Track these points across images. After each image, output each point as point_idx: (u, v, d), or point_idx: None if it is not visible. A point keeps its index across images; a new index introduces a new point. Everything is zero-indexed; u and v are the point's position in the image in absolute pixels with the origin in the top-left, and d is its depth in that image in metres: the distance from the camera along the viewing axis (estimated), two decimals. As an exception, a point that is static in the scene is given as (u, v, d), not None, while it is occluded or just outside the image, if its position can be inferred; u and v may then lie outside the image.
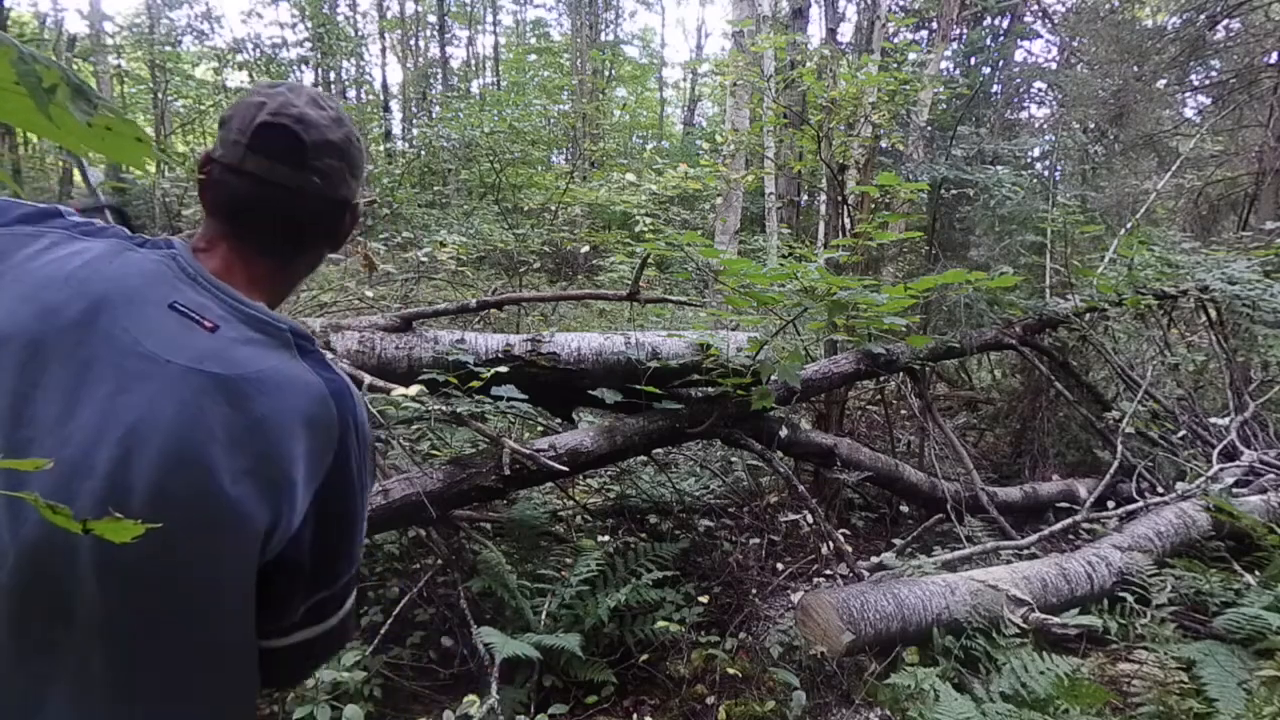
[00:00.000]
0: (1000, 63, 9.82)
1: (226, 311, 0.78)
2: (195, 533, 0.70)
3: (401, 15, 17.88)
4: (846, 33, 10.67)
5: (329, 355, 0.87)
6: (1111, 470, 3.93)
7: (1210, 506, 3.52)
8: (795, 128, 6.33)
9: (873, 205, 5.17)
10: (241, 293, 0.81)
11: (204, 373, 0.72)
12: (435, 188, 10.92)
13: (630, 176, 11.27)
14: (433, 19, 18.39)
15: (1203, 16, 7.05)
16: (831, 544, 3.16)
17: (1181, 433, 4.40)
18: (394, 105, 17.41)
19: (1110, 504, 3.80)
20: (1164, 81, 7.55)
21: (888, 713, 2.42)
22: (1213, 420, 4.61)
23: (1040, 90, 8.60)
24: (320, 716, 2.06)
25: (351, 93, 16.13)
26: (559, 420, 3.38)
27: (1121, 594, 2.97)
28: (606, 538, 3.25)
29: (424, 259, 5.37)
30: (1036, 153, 6.66)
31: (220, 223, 0.85)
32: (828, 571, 3.25)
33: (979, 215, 5.25)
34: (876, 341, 3.73)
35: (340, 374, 0.84)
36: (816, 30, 10.94)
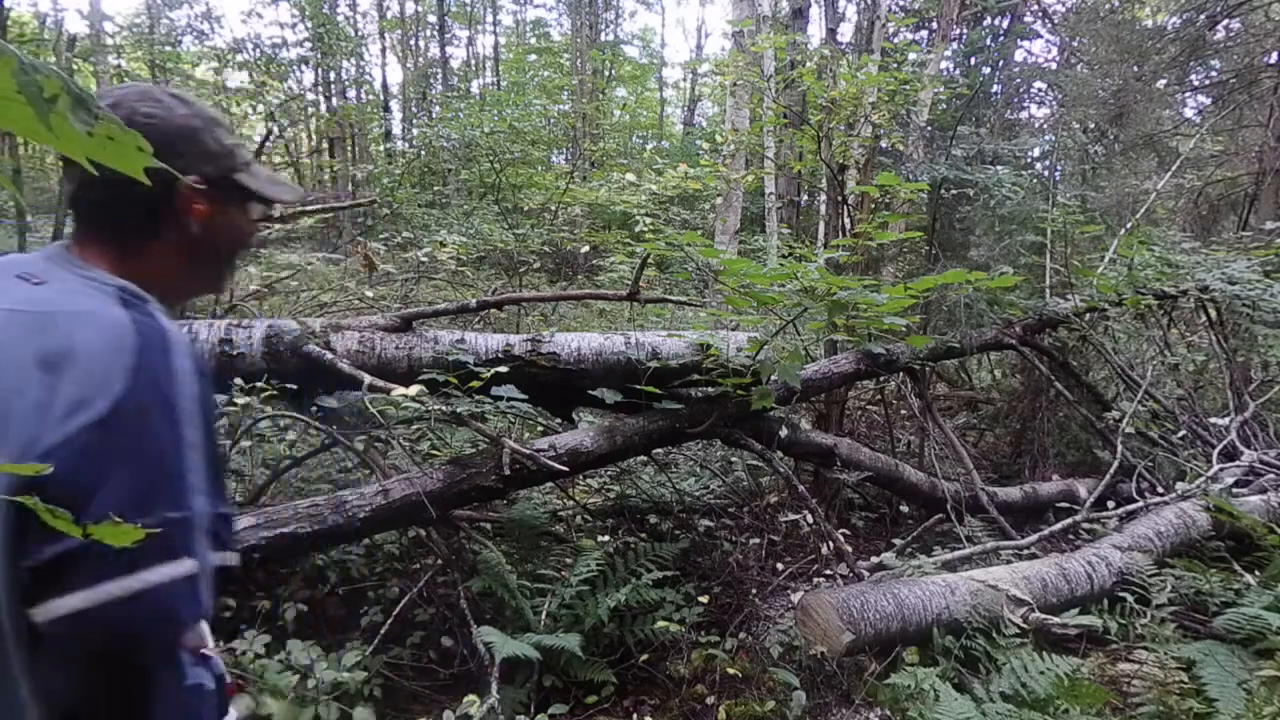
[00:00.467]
0: (1000, 63, 9.81)
1: (67, 274, 0.84)
2: None
3: (401, 15, 17.88)
4: (846, 33, 10.68)
5: (165, 316, 0.85)
6: (1111, 470, 3.93)
7: (1210, 506, 3.52)
8: (795, 128, 6.33)
9: (873, 205, 5.17)
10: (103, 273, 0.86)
11: (9, 311, 0.78)
12: (435, 188, 10.92)
13: (630, 176, 11.26)
14: (433, 19, 18.39)
15: (1203, 16, 7.05)
16: (831, 544, 3.16)
17: (1181, 433, 4.40)
18: (394, 105, 17.42)
19: (1110, 504, 3.80)
20: (1164, 81, 7.55)
21: (888, 713, 2.42)
22: (1213, 420, 4.61)
23: (1040, 90, 8.60)
24: (326, 716, 2.06)
25: (351, 93, 16.13)
26: (559, 420, 3.38)
27: (1121, 594, 2.97)
28: (606, 538, 3.25)
29: (424, 259, 5.38)
30: (1036, 153, 6.66)
31: None
32: (828, 571, 3.25)
33: (979, 215, 5.25)
34: (876, 341, 3.73)
35: (165, 324, 0.82)
36: (816, 30, 10.96)
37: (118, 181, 0.86)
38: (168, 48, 11.53)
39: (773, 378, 3.05)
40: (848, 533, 3.69)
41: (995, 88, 8.71)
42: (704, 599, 2.91)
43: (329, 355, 2.57)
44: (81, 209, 0.90)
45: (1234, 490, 3.80)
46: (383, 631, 2.45)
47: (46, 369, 0.73)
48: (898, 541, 3.53)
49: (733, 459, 4.34)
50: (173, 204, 0.92)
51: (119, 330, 0.77)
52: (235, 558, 0.84)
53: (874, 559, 3.22)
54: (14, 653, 0.71)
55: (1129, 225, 5.25)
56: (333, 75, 15.17)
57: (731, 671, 2.56)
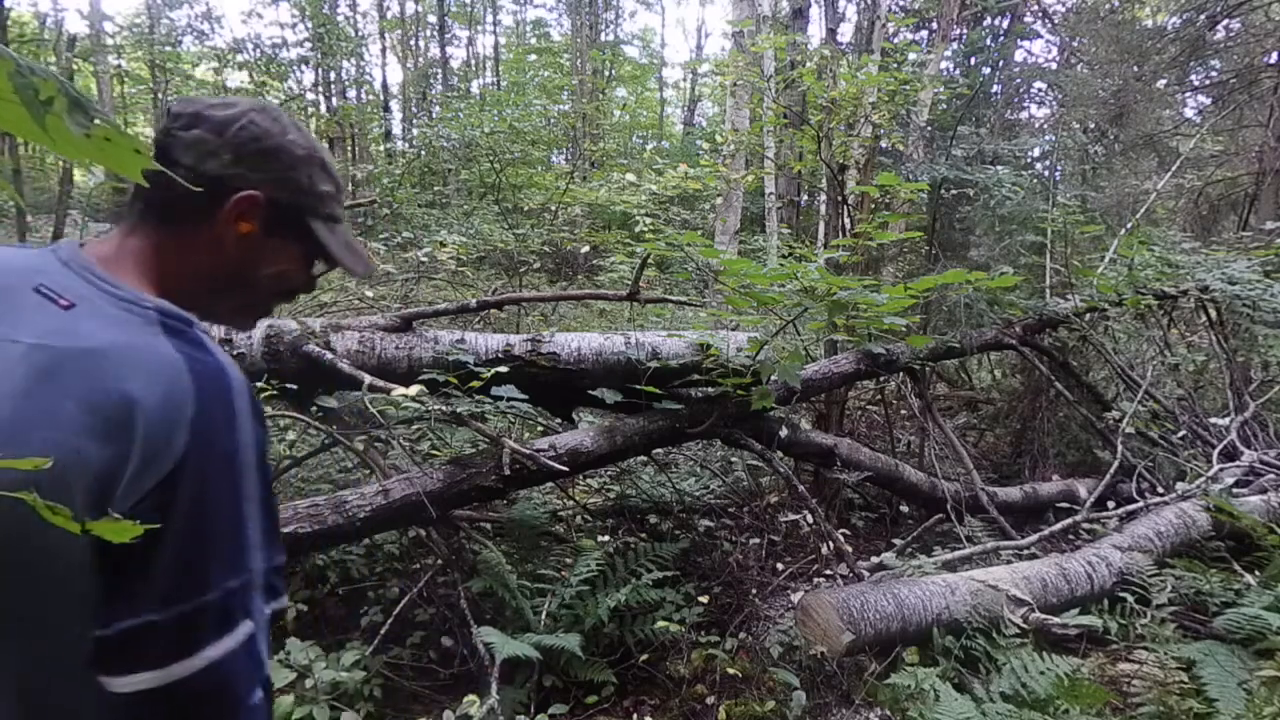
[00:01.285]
0: (1000, 63, 9.81)
1: (92, 292, 0.74)
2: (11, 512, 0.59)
3: (401, 15, 17.88)
4: (846, 33, 10.67)
5: (216, 337, 0.77)
6: (1111, 470, 3.93)
7: (1210, 506, 3.52)
8: (795, 128, 6.33)
9: (873, 205, 5.17)
10: (129, 279, 0.79)
11: (46, 347, 0.68)
12: (435, 188, 10.91)
13: (630, 176, 11.27)
14: (433, 19, 18.40)
15: (1203, 16, 7.05)
16: (831, 544, 3.16)
17: (1181, 433, 4.40)
18: (394, 105, 17.42)
19: (1110, 504, 3.80)
20: (1164, 81, 7.55)
21: (888, 713, 2.42)
22: (1213, 420, 4.61)
23: (1040, 90, 8.60)
24: (319, 716, 2.06)
25: (351, 93, 16.14)
26: (559, 420, 3.38)
27: (1121, 594, 2.97)
28: (606, 538, 3.25)
29: (424, 259, 5.38)
30: (1036, 153, 6.66)
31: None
32: (828, 571, 3.25)
33: (979, 215, 5.25)
34: (876, 341, 3.73)
35: (220, 358, 0.75)
36: (816, 30, 10.95)
37: (187, 168, 0.82)
38: (168, 48, 11.52)
39: (773, 378, 3.05)
40: (848, 533, 3.69)
41: (995, 88, 8.71)
42: (704, 599, 2.91)
43: (329, 355, 2.57)
44: (139, 203, 0.84)
45: (1234, 490, 3.80)
46: (383, 631, 2.45)
47: (108, 431, 0.66)
48: (898, 541, 3.53)
49: (733, 459, 4.34)
50: (221, 206, 0.84)
51: (176, 375, 0.70)
52: (285, 599, 0.82)
53: (874, 559, 3.22)
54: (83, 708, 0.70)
55: (1129, 225, 5.25)
56: (333, 75, 15.17)
57: (731, 671, 2.56)
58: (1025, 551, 3.37)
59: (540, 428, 3.77)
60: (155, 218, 0.84)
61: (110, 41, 11.70)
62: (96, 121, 0.41)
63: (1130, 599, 2.92)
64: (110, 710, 0.69)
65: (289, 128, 0.89)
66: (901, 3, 11.21)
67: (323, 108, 15.15)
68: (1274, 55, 7.36)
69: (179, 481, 0.68)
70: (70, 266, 0.76)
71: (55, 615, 0.69)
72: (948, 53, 9.22)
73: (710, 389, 3.20)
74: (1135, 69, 6.93)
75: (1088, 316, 4.56)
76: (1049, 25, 9.86)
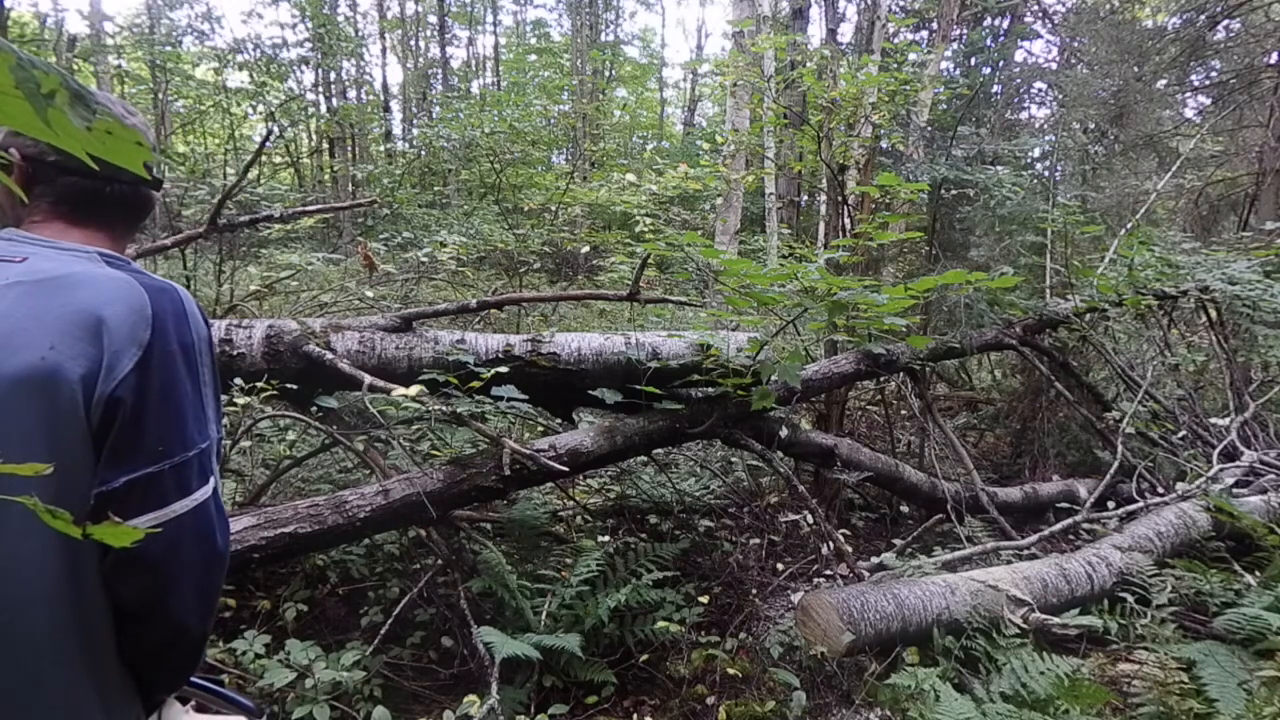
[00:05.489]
0: (1000, 63, 9.80)
1: (38, 249, 0.91)
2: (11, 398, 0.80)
3: (402, 15, 17.87)
4: (846, 33, 10.66)
5: (138, 266, 0.95)
6: (1112, 470, 3.93)
7: (1210, 507, 3.52)
8: (795, 128, 6.33)
9: (873, 205, 5.17)
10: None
11: (18, 284, 0.85)
12: (435, 188, 10.91)
13: (630, 177, 11.24)
14: (433, 19, 18.38)
15: (1203, 17, 7.05)
16: (831, 544, 3.16)
17: (1181, 433, 4.40)
18: (394, 105, 17.40)
19: (1110, 504, 3.80)
20: (1164, 82, 7.54)
21: (888, 713, 2.42)
22: (1213, 420, 4.61)
23: (1040, 90, 8.59)
24: (320, 716, 2.06)
25: (352, 93, 16.11)
26: (559, 420, 3.38)
27: (1122, 594, 2.97)
28: (606, 538, 3.25)
29: (424, 259, 5.38)
30: (1036, 153, 6.65)
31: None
32: (828, 571, 3.25)
33: (979, 215, 5.25)
34: (877, 342, 3.73)
35: (159, 280, 0.93)
36: (817, 30, 10.96)
37: (130, 179, 0.96)
38: (168, 48, 11.50)
39: (773, 378, 3.05)
40: (848, 533, 3.69)
41: (995, 88, 8.70)
42: (704, 599, 2.92)
43: (329, 355, 2.57)
44: (79, 199, 0.97)
45: (1234, 490, 3.80)
46: (383, 631, 2.45)
47: (89, 335, 0.83)
48: (898, 541, 3.53)
49: (733, 459, 4.34)
50: (154, 191, 1.07)
51: (131, 291, 0.88)
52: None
53: (874, 559, 3.22)
54: (89, 576, 0.84)
55: (1129, 225, 5.25)
56: (333, 75, 15.14)
57: (732, 672, 2.56)
58: (1025, 552, 3.37)
59: (540, 428, 3.78)
60: (110, 226, 1.00)
61: (110, 41, 11.69)
62: (98, 115, 0.42)
63: (1130, 599, 2.92)
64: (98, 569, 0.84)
65: (120, 106, 1.03)
66: (901, 3, 11.21)
67: (323, 108, 15.14)
68: (1274, 55, 7.35)
69: (149, 366, 0.85)
70: (12, 239, 0.92)
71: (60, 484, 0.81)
72: (948, 53, 9.21)
73: (710, 389, 3.19)
74: (1135, 69, 6.92)
75: (1088, 316, 4.56)
76: (1049, 25, 9.85)
